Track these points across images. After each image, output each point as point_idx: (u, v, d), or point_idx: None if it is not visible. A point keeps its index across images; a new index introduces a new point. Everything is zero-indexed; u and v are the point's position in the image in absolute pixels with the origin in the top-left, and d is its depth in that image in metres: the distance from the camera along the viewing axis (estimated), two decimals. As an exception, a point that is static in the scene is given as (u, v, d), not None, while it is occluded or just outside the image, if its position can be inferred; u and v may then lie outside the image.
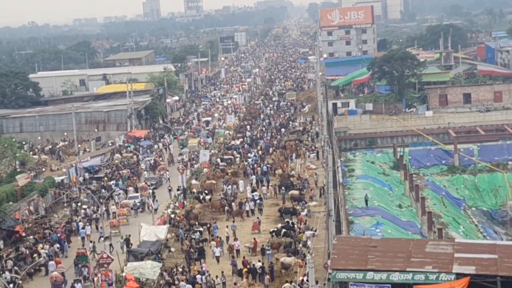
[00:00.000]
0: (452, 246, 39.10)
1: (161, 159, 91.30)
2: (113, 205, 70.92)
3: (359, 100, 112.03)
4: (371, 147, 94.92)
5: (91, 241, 59.61)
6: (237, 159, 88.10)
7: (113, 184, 78.49)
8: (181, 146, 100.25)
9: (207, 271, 50.39)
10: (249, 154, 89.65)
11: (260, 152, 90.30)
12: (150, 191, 74.16)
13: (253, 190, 71.99)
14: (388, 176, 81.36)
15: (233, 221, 62.70)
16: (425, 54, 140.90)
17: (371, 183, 74.66)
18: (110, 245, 57.33)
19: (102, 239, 59.62)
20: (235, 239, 56.77)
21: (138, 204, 70.77)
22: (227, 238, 58.37)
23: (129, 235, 58.33)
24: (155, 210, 65.88)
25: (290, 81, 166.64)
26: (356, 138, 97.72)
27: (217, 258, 54.42)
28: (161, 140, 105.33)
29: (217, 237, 57.66)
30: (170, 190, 74.37)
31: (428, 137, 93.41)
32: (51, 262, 54.34)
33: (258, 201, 68.61)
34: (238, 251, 54.81)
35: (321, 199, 67.87)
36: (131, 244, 57.18)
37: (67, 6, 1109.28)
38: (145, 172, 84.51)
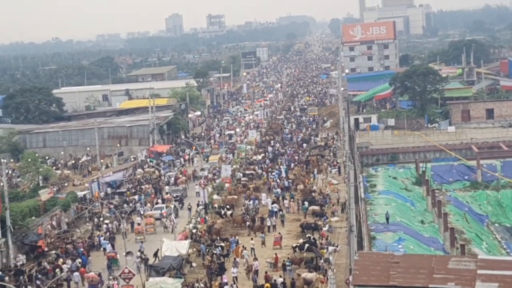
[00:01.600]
0: (475, 262, 38.71)
1: (180, 174, 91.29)
2: (138, 216, 71.61)
3: (381, 115, 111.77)
4: (393, 163, 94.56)
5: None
6: (259, 174, 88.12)
7: (135, 199, 78.76)
8: (205, 159, 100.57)
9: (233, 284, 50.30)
10: (270, 169, 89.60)
11: (281, 167, 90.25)
12: (174, 204, 74.65)
13: (273, 202, 72.40)
14: (410, 192, 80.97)
15: (255, 236, 62.70)
16: (447, 70, 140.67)
17: (393, 199, 74.35)
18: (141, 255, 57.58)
19: (124, 253, 59.78)
20: (255, 259, 55.92)
21: (163, 215, 71.17)
22: (252, 250, 58.09)
23: (146, 256, 58.01)
24: (172, 229, 65.81)
25: (311, 96, 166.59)
26: (378, 153, 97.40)
27: (234, 279, 53.40)
28: (183, 154, 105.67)
29: (234, 258, 57.05)
30: (189, 209, 73.65)
31: (450, 153, 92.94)
32: (76, 273, 55.02)
33: (280, 212, 68.99)
34: (257, 271, 53.72)
35: (343, 215, 67.62)
36: (147, 259, 57.17)
37: (90, 22, 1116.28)
38: (167, 186, 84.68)
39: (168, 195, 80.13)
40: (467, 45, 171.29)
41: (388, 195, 75.88)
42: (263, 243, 61.22)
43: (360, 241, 54.97)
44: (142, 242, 62.15)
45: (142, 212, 73.28)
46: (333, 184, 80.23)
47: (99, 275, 53.94)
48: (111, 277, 53.93)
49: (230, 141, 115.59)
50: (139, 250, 58.67)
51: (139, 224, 68.67)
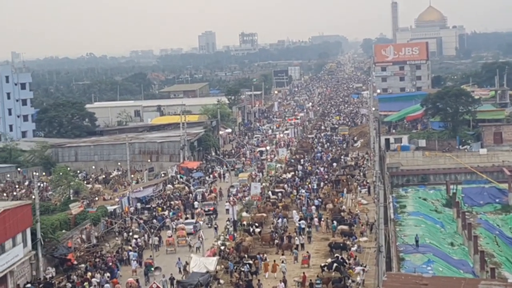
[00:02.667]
0: (505, 286, 38.53)
1: (210, 191, 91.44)
2: (168, 230, 72.21)
3: (412, 136, 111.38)
4: (424, 184, 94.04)
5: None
6: (289, 193, 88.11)
7: (164, 214, 79.08)
8: (237, 175, 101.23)
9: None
10: (300, 188, 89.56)
11: (311, 186, 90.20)
12: (204, 219, 75.05)
13: (300, 219, 72.57)
14: (440, 214, 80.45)
15: (282, 254, 62.71)
16: (480, 92, 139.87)
17: (423, 220, 73.91)
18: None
19: (153, 269, 60.06)
20: (282, 281, 55.25)
21: (194, 229, 71.68)
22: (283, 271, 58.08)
23: (173, 277, 58.03)
24: (198, 248, 65.94)
25: (342, 116, 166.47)
26: (409, 174, 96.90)
27: None
28: (213, 171, 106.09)
29: (258, 280, 56.54)
30: (216, 228, 73.17)
31: (482, 175, 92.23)
32: (107, 286, 55.80)
33: (307, 229, 69.28)
34: None
35: (372, 235, 67.44)
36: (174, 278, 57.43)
37: (124, 38, 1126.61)
38: (196, 202, 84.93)
39: (199, 209, 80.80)
40: (500, 67, 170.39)
41: (418, 217, 75.43)
42: (296, 258, 61.45)
43: (389, 262, 54.74)
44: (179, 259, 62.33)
45: (173, 226, 73.78)
46: (362, 204, 79.99)
47: (137, 281, 55.56)
48: (148, 283, 55.17)
49: (261, 157, 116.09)
50: (178, 266, 59.62)
51: (170, 236, 69.29)
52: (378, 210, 56.28)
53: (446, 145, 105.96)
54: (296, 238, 66.57)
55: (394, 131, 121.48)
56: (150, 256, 62.00)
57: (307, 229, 69.68)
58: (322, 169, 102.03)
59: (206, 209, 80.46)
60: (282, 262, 59.02)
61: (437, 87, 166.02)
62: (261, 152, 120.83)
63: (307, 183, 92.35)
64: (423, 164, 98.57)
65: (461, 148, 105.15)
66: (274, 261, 59.62)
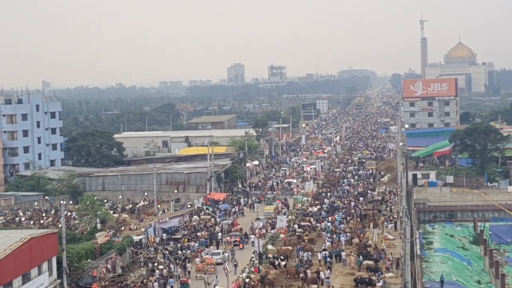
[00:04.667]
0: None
1: (232, 224, 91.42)
2: (196, 257, 72.96)
3: (440, 172, 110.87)
4: (451, 220, 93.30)
5: None
6: (314, 226, 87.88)
7: (190, 245, 79.15)
8: (268, 203, 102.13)
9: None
10: (326, 222, 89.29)
11: (337, 220, 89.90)
12: (230, 251, 75.11)
13: (323, 250, 72.62)
14: (468, 251, 79.70)
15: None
16: (508, 129, 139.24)
17: (449, 257, 73.27)
18: None
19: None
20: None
21: (221, 260, 71.92)
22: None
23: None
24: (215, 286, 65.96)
25: (370, 150, 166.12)
26: (436, 210, 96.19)
27: None
28: (238, 203, 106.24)
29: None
30: (235, 266, 72.11)
31: (510, 213, 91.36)
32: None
33: (328, 259, 69.54)
34: None
35: (398, 271, 66.99)
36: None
37: (154, 69, 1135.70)
38: (219, 233, 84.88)
39: (229, 238, 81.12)
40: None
41: (444, 253, 74.81)
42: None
43: (415, 299, 54.29)
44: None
45: (202, 255, 74.27)
46: (388, 239, 79.55)
47: None
48: None
49: (290, 187, 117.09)
50: None
51: (201, 262, 70.60)
52: (404, 245, 55.98)
53: (474, 182, 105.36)
54: (321, 272, 66.28)
55: (422, 166, 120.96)
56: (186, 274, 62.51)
57: (327, 259, 70.04)
58: (348, 203, 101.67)
59: (233, 239, 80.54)
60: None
61: (466, 123, 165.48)
62: (290, 183, 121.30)
63: (334, 217, 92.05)
64: (450, 200, 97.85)
65: (489, 185, 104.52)
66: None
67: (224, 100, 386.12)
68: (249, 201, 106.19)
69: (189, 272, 68.42)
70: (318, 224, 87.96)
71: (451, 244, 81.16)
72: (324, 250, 72.97)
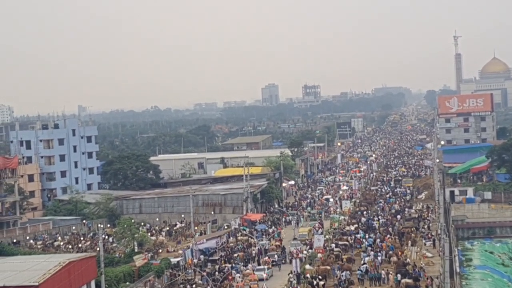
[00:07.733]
0: None
1: (273, 243, 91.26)
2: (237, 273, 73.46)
3: (478, 188, 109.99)
4: (490, 237, 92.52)
5: None
6: (352, 245, 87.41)
7: (229, 267, 79.14)
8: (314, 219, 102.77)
9: None
10: (364, 240, 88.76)
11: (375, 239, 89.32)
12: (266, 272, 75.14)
13: (363, 264, 73.15)
14: (508, 267, 78.89)
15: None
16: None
17: (489, 274, 72.53)
18: None
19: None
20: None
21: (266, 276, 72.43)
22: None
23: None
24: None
25: (406, 168, 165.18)
26: (474, 227, 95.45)
27: None
28: (277, 224, 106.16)
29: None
30: None
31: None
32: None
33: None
34: None
35: (437, 289, 66.29)
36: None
37: (189, 91, 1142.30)
38: (254, 252, 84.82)
39: (267, 257, 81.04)
40: None
41: (484, 270, 74.07)
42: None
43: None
44: None
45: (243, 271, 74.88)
46: (427, 257, 78.88)
47: None
48: None
49: (328, 204, 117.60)
50: None
51: (242, 280, 71.11)
52: (443, 263, 55.51)
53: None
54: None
55: (459, 182, 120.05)
56: None
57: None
58: (386, 221, 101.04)
59: (272, 259, 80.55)
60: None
61: (503, 138, 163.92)
62: (328, 199, 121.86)
63: (371, 236, 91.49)
64: (489, 216, 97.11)
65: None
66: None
67: (259, 121, 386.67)
68: (285, 220, 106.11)
69: None
70: (356, 244, 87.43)
71: (491, 260, 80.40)
72: (364, 264, 72.81)
